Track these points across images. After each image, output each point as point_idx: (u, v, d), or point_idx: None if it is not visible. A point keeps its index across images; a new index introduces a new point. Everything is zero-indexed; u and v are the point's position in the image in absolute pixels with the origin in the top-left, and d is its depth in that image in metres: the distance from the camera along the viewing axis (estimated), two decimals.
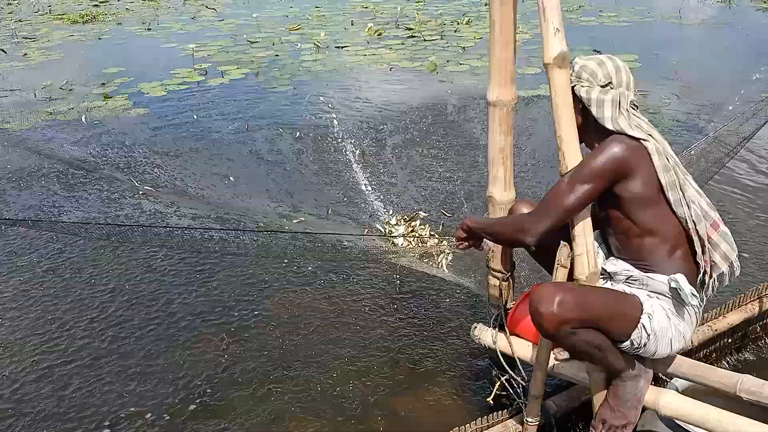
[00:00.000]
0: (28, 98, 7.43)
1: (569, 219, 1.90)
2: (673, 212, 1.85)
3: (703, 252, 1.86)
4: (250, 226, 4.15)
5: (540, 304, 1.79)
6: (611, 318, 1.84)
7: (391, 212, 4.16)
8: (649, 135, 1.86)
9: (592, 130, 1.92)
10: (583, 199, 1.86)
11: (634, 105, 1.92)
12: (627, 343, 1.87)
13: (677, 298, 1.84)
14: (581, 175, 1.84)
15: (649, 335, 1.84)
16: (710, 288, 1.94)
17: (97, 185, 4.91)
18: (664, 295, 1.87)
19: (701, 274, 1.88)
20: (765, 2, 10.98)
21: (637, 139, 1.83)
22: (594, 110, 1.87)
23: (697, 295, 1.88)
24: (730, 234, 1.93)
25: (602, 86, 1.87)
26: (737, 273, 1.95)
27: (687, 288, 1.80)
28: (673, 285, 1.82)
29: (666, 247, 1.86)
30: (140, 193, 4.60)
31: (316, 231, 3.90)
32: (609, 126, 1.85)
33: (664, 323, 1.86)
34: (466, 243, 2.26)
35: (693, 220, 1.84)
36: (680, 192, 1.84)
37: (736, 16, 10.22)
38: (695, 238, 1.84)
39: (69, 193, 4.80)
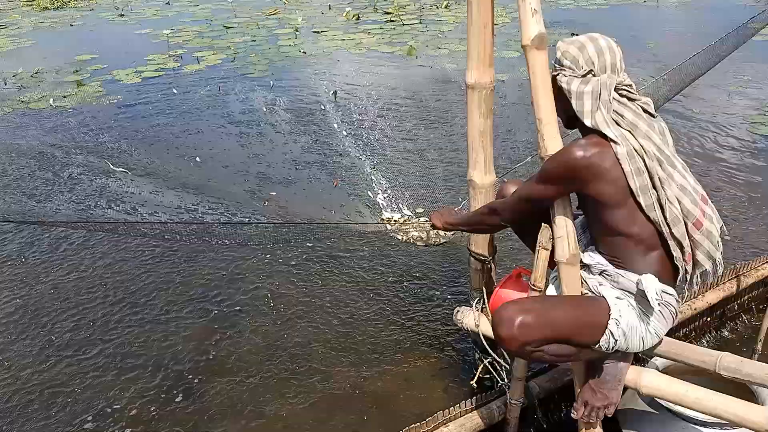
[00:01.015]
0: None
1: (536, 210, 1.92)
2: (646, 215, 1.76)
3: (682, 253, 1.80)
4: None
5: (500, 326, 1.78)
6: (576, 331, 1.82)
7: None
8: (629, 131, 1.75)
9: (580, 121, 1.83)
10: (541, 198, 1.86)
11: (628, 87, 1.79)
12: (596, 347, 1.85)
13: (643, 302, 1.80)
14: (541, 176, 1.84)
15: (617, 340, 1.82)
16: (694, 283, 1.88)
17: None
18: (633, 295, 1.83)
19: (682, 273, 1.83)
20: None
21: (608, 139, 1.73)
22: (573, 103, 1.79)
23: (672, 294, 1.85)
24: (715, 232, 1.84)
25: (583, 75, 1.78)
26: (720, 271, 1.90)
27: (653, 293, 1.74)
28: (640, 287, 1.76)
29: (640, 248, 1.80)
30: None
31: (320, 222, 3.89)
32: (586, 122, 1.76)
33: (634, 323, 1.83)
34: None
35: (668, 224, 1.75)
36: (655, 193, 1.74)
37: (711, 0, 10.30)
38: (670, 242, 1.77)
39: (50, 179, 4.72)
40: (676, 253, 1.78)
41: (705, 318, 2.81)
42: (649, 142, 1.76)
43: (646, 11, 9.74)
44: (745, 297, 2.93)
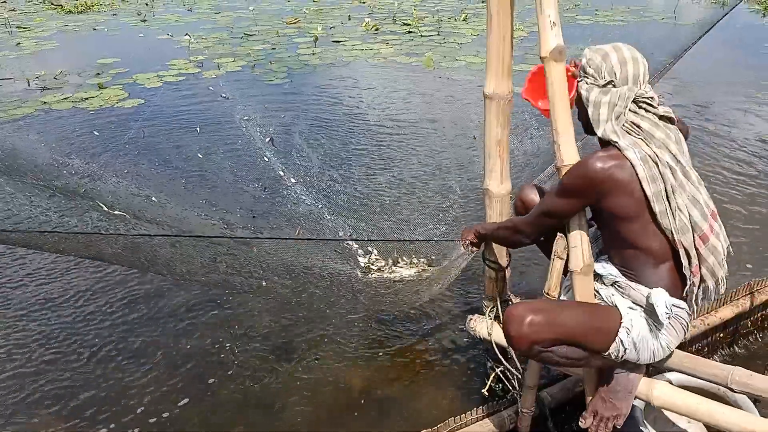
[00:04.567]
0: (21, 87, 7.39)
1: (558, 225, 1.93)
2: (658, 224, 1.77)
3: (690, 263, 1.80)
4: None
5: (510, 325, 1.80)
6: (585, 334, 1.83)
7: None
8: (642, 139, 1.77)
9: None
10: (561, 212, 1.88)
11: (648, 99, 1.80)
12: (606, 354, 1.86)
13: (652, 315, 1.81)
14: (560, 190, 1.86)
15: (626, 349, 1.84)
16: (698, 300, 1.89)
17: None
18: (643, 308, 1.85)
19: (689, 285, 1.84)
20: (759, 4, 11.05)
21: (620, 150, 1.76)
22: (590, 111, 1.83)
23: (683, 307, 1.86)
24: (721, 250, 1.84)
25: (604, 85, 1.81)
26: (722, 290, 1.91)
27: (662, 308, 1.76)
28: (650, 301, 1.79)
29: (651, 260, 1.82)
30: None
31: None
32: (597, 131, 1.81)
33: (645, 334, 1.84)
34: (471, 246, 2.35)
35: (677, 230, 1.77)
36: (666, 201, 1.76)
37: (729, 18, 10.27)
38: (680, 250, 1.78)
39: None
40: (684, 261, 1.79)
41: (718, 334, 2.80)
42: (664, 151, 1.78)
43: (663, 28, 9.73)
44: (759, 314, 2.92)
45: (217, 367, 2.91)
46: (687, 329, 1.94)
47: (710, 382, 2.12)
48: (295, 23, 10.80)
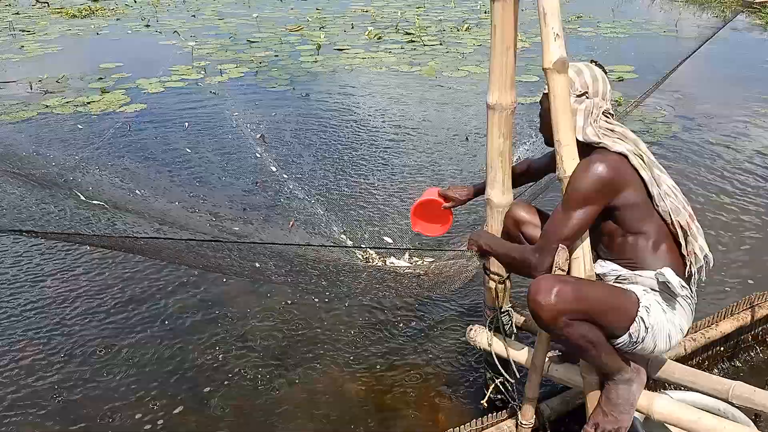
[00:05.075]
0: (24, 91, 7.41)
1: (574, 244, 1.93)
2: (656, 208, 1.89)
3: (686, 243, 1.91)
4: None
5: (538, 294, 1.80)
6: (609, 311, 1.85)
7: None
8: (623, 137, 1.92)
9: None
10: (581, 225, 1.88)
11: (609, 113, 1.97)
12: (625, 338, 1.87)
13: (666, 291, 1.87)
14: (575, 201, 1.87)
15: (647, 328, 1.86)
16: (697, 282, 1.96)
17: None
18: (655, 290, 1.90)
19: (688, 266, 1.92)
20: (761, 18, 11.10)
21: (608, 148, 1.88)
22: None
23: (687, 287, 1.92)
24: (702, 233, 1.98)
25: (578, 96, 1.92)
26: (711, 265, 1.98)
27: (675, 279, 1.84)
28: (660, 279, 1.86)
29: (650, 244, 1.90)
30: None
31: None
32: (578, 136, 1.89)
33: (660, 317, 1.88)
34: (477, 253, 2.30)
35: (673, 211, 1.89)
36: (657, 187, 1.90)
37: (731, 33, 10.32)
38: (678, 230, 1.89)
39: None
40: (683, 241, 1.90)
41: (718, 347, 2.79)
42: (639, 148, 1.94)
43: (665, 42, 9.77)
44: (760, 328, 2.91)
45: (213, 373, 2.89)
46: (693, 312, 1.98)
47: (710, 396, 2.11)
48: (297, 30, 10.84)
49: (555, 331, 1.84)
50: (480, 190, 2.47)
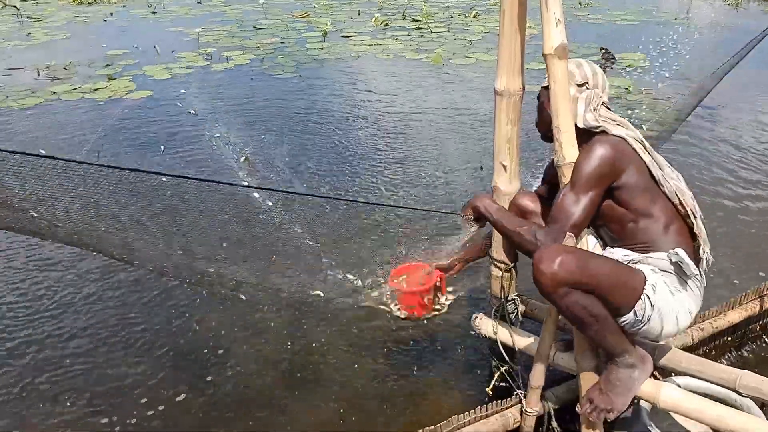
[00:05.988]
0: (31, 77, 7.42)
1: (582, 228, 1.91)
2: (662, 189, 1.92)
3: (696, 223, 1.93)
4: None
5: (542, 262, 1.77)
6: (613, 285, 1.80)
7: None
8: (623, 124, 1.96)
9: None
10: (590, 207, 1.88)
11: (608, 106, 2.01)
12: (630, 315, 1.84)
13: (680, 272, 1.87)
14: (582, 184, 1.86)
15: (653, 306, 1.83)
16: (704, 263, 1.94)
17: None
18: (667, 271, 1.88)
19: (698, 248, 1.93)
20: None
21: (608, 133, 1.92)
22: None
23: (698, 269, 1.91)
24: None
25: (579, 85, 1.97)
26: (710, 261, 1.98)
27: (687, 258, 1.84)
28: (674, 259, 1.85)
29: (660, 225, 1.91)
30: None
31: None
32: (578, 123, 1.92)
33: (668, 299, 1.86)
34: (472, 217, 2.23)
35: (679, 192, 1.92)
36: (660, 170, 1.93)
37: (743, 19, 10.20)
38: (687, 210, 1.92)
39: None
40: (693, 220, 1.92)
41: (726, 337, 2.77)
42: (638, 136, 1.96)
43: (676, 29, 9.66)
44: None
45: (218, 366, 2.89)
46: (702, 295, 1.96)
47: (718, 385, 2.10)
48: (304, 17, 10.79)
49: (556, 300, 1.81)
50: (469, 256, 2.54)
